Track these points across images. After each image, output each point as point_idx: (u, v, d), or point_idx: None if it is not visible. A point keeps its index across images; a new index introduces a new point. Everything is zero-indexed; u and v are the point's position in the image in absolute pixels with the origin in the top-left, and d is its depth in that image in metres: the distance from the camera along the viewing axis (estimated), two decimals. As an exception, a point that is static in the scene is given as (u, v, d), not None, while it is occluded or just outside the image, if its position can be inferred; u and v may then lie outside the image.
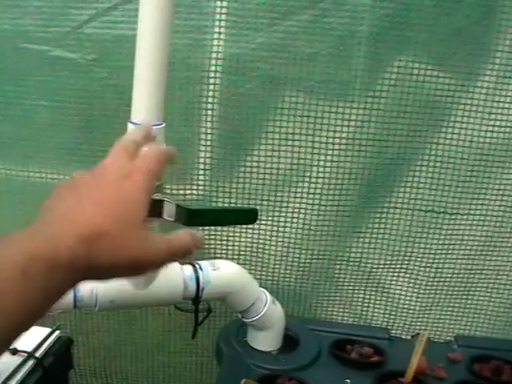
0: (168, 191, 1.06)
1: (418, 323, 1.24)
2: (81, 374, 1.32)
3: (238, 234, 1.20)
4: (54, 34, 1.04)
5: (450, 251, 1.18)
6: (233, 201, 1.16)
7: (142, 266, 0.51)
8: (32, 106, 1.10)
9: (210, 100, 1.08)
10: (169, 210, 0.80)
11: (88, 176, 0.54)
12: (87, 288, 0.86)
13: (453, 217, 1.15)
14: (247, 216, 0.85)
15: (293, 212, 1.17)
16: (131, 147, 0.58)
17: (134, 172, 0.53)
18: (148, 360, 1.38)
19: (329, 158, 1.12)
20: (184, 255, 0.54)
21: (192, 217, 0.79)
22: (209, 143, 1.12)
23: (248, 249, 1.21)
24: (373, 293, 1.24)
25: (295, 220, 1.17)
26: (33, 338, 1.02)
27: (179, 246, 0.54)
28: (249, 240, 1.20)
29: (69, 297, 0.86)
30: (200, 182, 1.15)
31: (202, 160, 1.15)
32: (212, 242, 1.20)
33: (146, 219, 0.52)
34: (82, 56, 1.05)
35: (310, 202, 1.15)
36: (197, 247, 0.55)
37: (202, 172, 1.15)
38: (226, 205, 1.16)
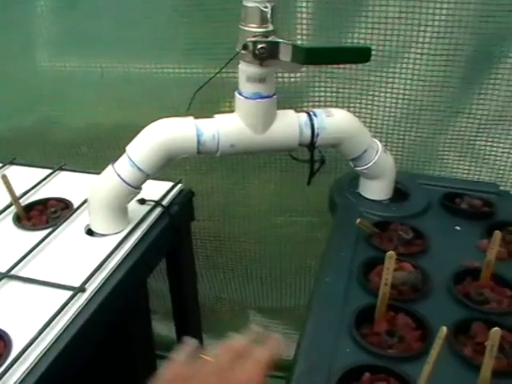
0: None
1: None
2: (194, 238, 1.42)
3: (347, 86, 1.29)
4: None
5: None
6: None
7: None
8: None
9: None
10: (285, 51, 0.86)
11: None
12: (209, 133, 0.96)
13: None
14: (360, 54, 0.90)
15: (402, 62, 1.23)
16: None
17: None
18: (260, 221, 1.55)
19: (438, 5, 1.16)
20: None
21: (307, 55, 0.85)
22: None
23: (357, 100, 1.31)
24: (482, 147, 1.31)
25: (404, 70, 1.24)
26: (158, 190, 1.15)
27: None
28: (358, 91, 1.30)
29: (192, 142, 0.95)
30: (305, 32, 1.24)
31: (305, 20, 1.23)
32: (322, 93, 1.31)
33: None
34: None
35: (419, 51, 1.21)
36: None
37: (305, 21, 1.24)
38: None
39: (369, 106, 1.31)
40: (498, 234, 0.93)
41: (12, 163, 1.37)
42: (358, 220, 1.03)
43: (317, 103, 1.32)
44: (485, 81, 1.24)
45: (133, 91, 1.43)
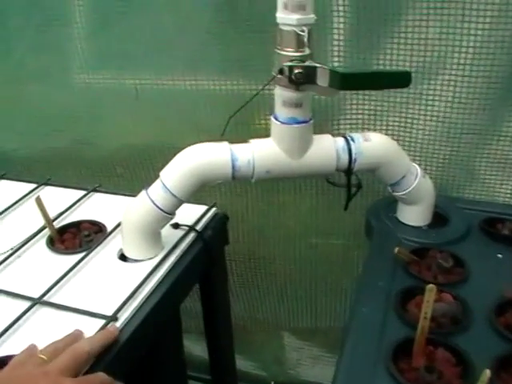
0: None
1: None
2: (229, 259, 1.40)
3: (385, 108, 1.25)
4: None
5: None
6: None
7: None
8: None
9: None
10: (322, 76, 0.85)
11: None
12: (244, 158, 0.95)
13: None
14: (400, 79, 0.88)
15: (442, 85, 1.20)
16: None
17: None
18: (295, 243, 1.55)
19: (480, 26, 1.14)
20: None
21: (345, 80, 0.84)
22: (348, 19, 1.19)
23: (396, 124, 1.28)
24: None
25: (444, 93, 1.21)
26: (192, 214, 1.15)
27: None
28: (397, 115, 1.27)
29: (227, 167, 0.95)
30: (341, 54, 1.22)
31: (342, 36, 1.21)
32: (360, 115, 1.28)
33: None
34: None
35: (460, 73, 1.18)
36: None
37: (343, 48, 1.22)
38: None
39: (407, 129, 1.29)
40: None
41: (47, 184, 1.37)
42: (396, 249, 1.00)
43: (354, 126, 1.30)
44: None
45: (167, 112, 1.43)
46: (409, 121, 1.28)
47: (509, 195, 1.31)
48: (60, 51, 1.44)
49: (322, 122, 1.20)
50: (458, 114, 1.24)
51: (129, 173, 1.53)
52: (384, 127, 1.30)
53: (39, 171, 1.51)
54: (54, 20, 1.40)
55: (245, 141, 1.01)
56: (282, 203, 1.47)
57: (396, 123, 1.29)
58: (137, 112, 1.45)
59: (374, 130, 1.29)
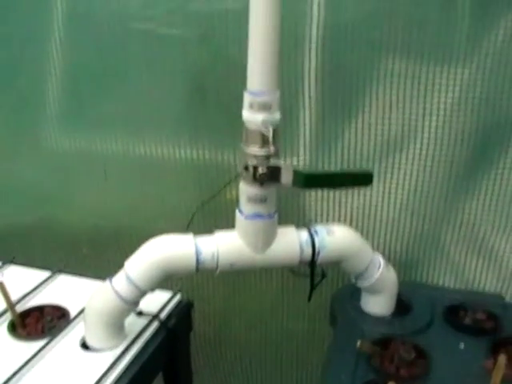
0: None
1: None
2: (194, 340, 1.40)
3: (350, 198, 1.30)
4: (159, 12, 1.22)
5: None
6: (344, 166, 1.26)
7: None
8: (144, 83, 1.30)
9: (314, 65, 1.18)
10: (286, 176, 0.87)
11: None
12: (209, 252, 0.95)
13: None
14: (362, 179, 0.90)
15: (404, 175, 1.24)
16: None
17: None
18: (261, 327, 1.54)
19: (440, 118, 1.18)
20: None
21: (309, 181, 0.85)
22: (314, 110, 1.22)
23: (360, 212, 1.31)
24: (486, 259, 1.30)
25: (407, 183, 1.24)
26: (156, 301, 1.14)
27: None
28: (360, 203, 1.30)
29: (191, 261, 0.95)
30: (307, 147, 1.26)
31: (308, 126, 1.24)
32: (324, 204, 1.31)
33: None
34: (189, 32, 1.21)
35: (422, 164, 1.22)
36: None
37: (308, 137, 1.25)
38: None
39: (371, 217, 1.31)
40: (502, 359, 0.90)
41: (12, 262, 1.36)
42: (359, 343, 1.01)
43: (319, 215, 1.32)
44: (481, 192, 1.24)
45: (135, 191, 1.44)
46: (372, 209, 1.31)
47: (471, 281, 1.33)
48: (31, 130, 1.46)
49: (286, 210, 1.22)
50: (420, 203, 1.27)
51: (95, 253, 1.52)
52: (348, 215, 1.32)
53: (5, 247, 1.50)
54: (26, 101, 1.43)
55: (209, 232, 1.02)
56: (249, 285, 1.48)
57: (360, 211, 1.32)
58: (105, 191, 1.45)
59: (338, 218, 1.32)
